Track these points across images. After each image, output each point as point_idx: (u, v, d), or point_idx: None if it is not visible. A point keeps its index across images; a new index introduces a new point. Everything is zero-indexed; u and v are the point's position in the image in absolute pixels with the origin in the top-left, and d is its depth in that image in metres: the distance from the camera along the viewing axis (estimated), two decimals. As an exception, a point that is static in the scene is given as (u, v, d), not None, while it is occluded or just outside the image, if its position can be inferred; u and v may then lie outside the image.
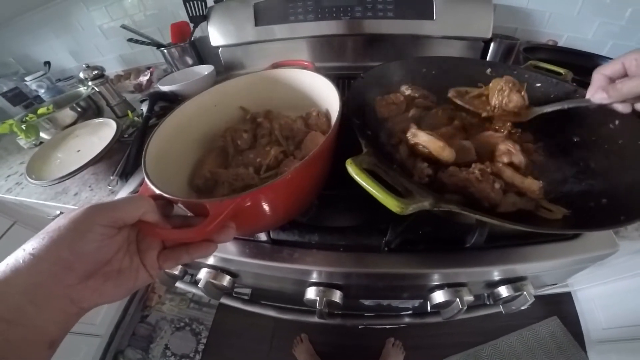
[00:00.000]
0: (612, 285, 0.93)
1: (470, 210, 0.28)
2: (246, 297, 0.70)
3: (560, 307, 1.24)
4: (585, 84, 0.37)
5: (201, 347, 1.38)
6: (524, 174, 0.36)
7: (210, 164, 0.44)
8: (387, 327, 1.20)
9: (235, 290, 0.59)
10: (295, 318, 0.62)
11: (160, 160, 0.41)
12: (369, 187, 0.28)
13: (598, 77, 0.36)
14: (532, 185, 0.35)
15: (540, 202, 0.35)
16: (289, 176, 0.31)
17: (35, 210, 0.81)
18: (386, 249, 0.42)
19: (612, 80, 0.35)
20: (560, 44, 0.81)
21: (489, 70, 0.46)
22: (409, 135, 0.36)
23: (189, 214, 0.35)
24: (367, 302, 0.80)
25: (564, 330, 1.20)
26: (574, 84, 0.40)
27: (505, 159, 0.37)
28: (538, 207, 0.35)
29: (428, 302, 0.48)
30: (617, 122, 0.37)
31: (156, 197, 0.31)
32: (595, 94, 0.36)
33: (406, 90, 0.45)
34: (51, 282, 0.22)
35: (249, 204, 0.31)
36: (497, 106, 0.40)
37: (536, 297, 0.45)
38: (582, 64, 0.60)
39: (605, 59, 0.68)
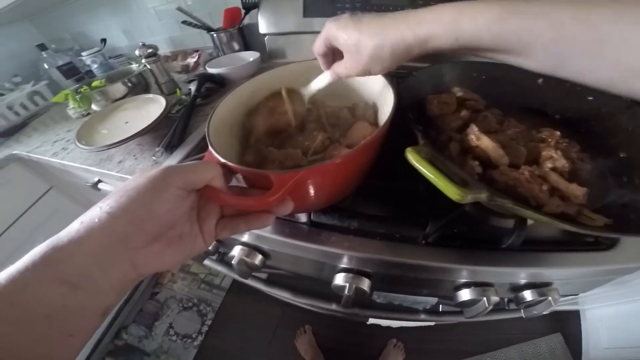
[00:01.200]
0: (624, 306, 0.93)
1: (522, 206, 0.29)
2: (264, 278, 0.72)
3: (565, 324, 1.24)
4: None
5: (205, 328, 1.40)
6: (568, 180, 0.37)
7: (262, 125, 0.47)
8: (393, 327, 1.21)
9: (253, 274, 0.61)
10: (307, 302, 0.64)
11: (219, 134, 0.43)
12: (431, 175, 0.29)
13: (318, 57, 0.42)
14: (577, 190, 0.36)
15: (582, 210, 0.36)
16: (349, 156, 0.33)
17: (74, 176, 0.85)
18: (423, 241, 0.43)
19: (329, 55, 0.40)
20: None
21: (540, 80, 0.47)
22: (472, 136, 0.38)
23: (244, 187, 0.37)
24: (379, 300, 0.81)
25: (564, 347, 1.19)
26: (628, 100, 0.41)
27: (549, 164, 0.38)
28: (580, 215, 0.36)
29: (452, 300, 0.49)
30: (666, 139, 0.37)
31: (221, 166, 0.32)
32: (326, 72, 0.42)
33: (458, 92, 0.46)
34: (121, 244, 0.22)
35: (309, 180, 0.33)
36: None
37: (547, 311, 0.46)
38: None
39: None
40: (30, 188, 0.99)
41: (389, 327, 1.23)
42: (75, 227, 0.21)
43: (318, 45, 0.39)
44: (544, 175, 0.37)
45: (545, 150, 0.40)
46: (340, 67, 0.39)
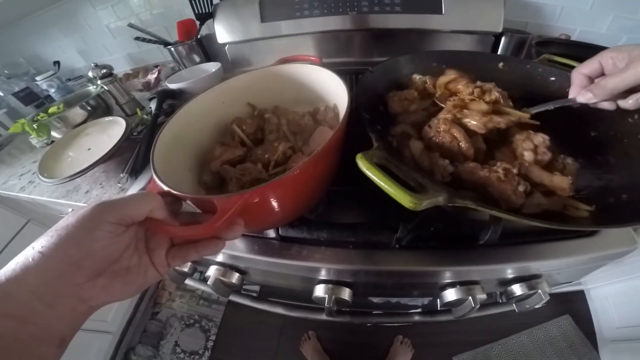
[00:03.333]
0: (627, 283, 0.91)
1: (486, 206, 0.27)
2: (255, 295, 0.70)
3: (572, 305, 1.22)
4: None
5: (210, 344, 1.39)
6: (550, 171, 0.34)
7: (217, 160, 0.44)
8: (396, 325, 1.19)
9: (244, 287, 0.59)
10: (304, 315, 0.62)
11: (169, 157, 0.40)
12: (381, 182, 0.27)
13: (577, 76, 0.37)
14: (562, 182, 0.33)
15: (567, 201, 0.34)
16: (298, 171, 0.31)
17: (48, 208, 0.83)
18: (397, 245, 0.41)
19: (591, 79, 0.36)
20: (573, 38, 0.79)
21: (501, 64, 0.45)
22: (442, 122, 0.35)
23: (197, 211, 0.35)
24: (375, 300, 0.79)
25: (576, 329, 1.17)
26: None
27: (529, 156, 0.36)
28: (566, 207, 0.34)
29: (438, 300, 0.47)
30: (636, 116, 0.35)
31: (164, 194, 0.31)
32: (580, 94, 0.36)
33: (417, 76, 0.44)
34: (60, 280, 0.22)
35: (257, 199, 0.31)
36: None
37: (549, 295, 0.44)
38: None
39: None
40: (7, 223, 0.97)
41: (392, 325, 1.22)
42: (11, 267, 0.21)
43: (588, 64, 0.36)
44: (525, 172, 0.34)
45: (521, 141, 0.37)
46: (610, 80, 0.33)
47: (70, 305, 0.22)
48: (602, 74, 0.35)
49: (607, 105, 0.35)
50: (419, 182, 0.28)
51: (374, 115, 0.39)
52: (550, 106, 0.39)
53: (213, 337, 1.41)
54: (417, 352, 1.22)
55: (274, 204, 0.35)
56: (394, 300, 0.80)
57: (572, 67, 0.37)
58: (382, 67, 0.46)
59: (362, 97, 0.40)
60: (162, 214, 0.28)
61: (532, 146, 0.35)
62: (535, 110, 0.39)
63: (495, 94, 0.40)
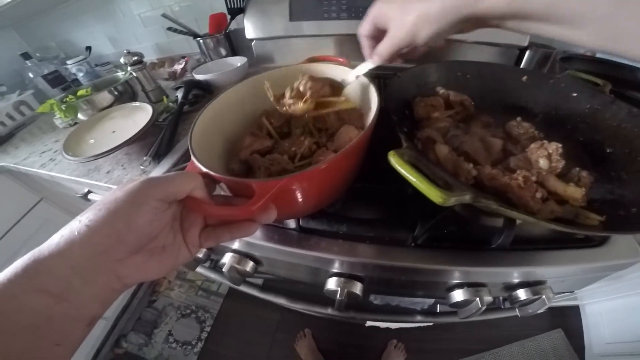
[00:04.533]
0: (623, 300, 0.93)
1: (509, 207, 0.29)
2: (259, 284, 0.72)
3: (566, 320, 1.24)
4: (623, 96, 0.38)
5: (204, 335, 1.40)
6: (566, 182, 0.36)
7: (247, 149, 0.46)
8: (392, 328, 1.21)
9: (247, 280, 0.60)
10: (303, 307, 0.64)
11: (202, 143, 0.42)
12: (412, 178, 0.29)
13: (362, 40, 0.40)
14: (575, 193, 0.35)
15: (579, 211, 0.36)
16: (334, 161, 0.33)
17: (63, 187, 0.84)
18: (413, 244, 0.43)
19: (374, 38, 0.38)
20: (599, 54, 0.76)
21: (524, 78, 0.47)
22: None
23: (228, 195, 0.37)
24: (376, 301, 0.81)
25: (567, 343, 1.19)
26: (612, 95, 0.41)
27: (544, 164, 0.38)
28: (577, 216, 0.35)
29: (446, 300, 0.48)
30: (652, 135, 0.37)
31: (203, 175, 0.32)
32: (369, 60, 0.40)
33: (444, 93, 0.46)
34: (102, 255, 0.22)
35: (293, 187, 0.33)
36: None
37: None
38: (621, 76, 0.59)
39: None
40: (20, 200, 0.99)
41: (388, 328, 1.23)
42: (55, 240, 0.21)
43: (364, 26, 0.38)
44: (541, 180, 0.36)
45: (535, 150, 0.39)
46: (382, 46, 0.37)
47: (107, 282, 0.22)
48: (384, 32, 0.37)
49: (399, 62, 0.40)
50: (446, 181, 0.30)
51: (400, 119, 0.41)
52: (370, 65, 0.41)
53: (208, 329, 1.41)
54: (410, 357, 1.24)
55: (304, 193, 0.36)
56: (394, 303, 0.82)
57: (596, 84, 0.39)
58: (409, 73, 0.48)
59: (390, 101, 0.42)
60: (202, 193, 0.29)
61: (546, 153, 0.37)
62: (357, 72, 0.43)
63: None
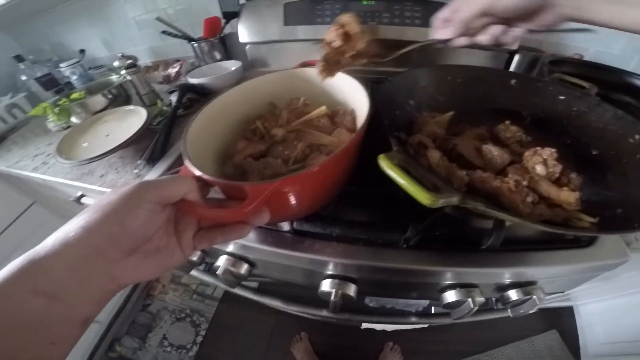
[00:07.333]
0: (615, 300, 0.94)
1: (496, 209, 0.30)
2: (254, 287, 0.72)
3: (561, 321, 1.25)
4: (609, 99, 0.39)
5: (199, 339, 1.38)
6: (559, 186, 0.37)
7: (241, 154, 0.46)
8: (388, 330, 1.21)
9: (242, 283, 0.60)
10: (299, 309, 0.64)
11: (196, 146, 0.42)
12: (401, 180, 0.29)
13: (436, 21, 0.41)
14: (569, 197, 0.36)
15: (569, 213, 0.36)
16: (325, 164, 0.34)
17: (56, 191, 0.83)
18: (405, 245, 0.43)
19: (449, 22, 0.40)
20: (587, 57, 0.80)
21: (513, 81, 0.48)
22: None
23: (222, 198, 0.37)
24: (371, 304, 0.81)
25: (562, 343, 1.20)
26: (598, 97, 0.42)
27: (540, 170, 0.39)
28: (568, 219, 0.36)
29: (439, 301, 0.49)
30: (637, 136, 0.38)
31: (196, 179, 0.32)
32: (438, 32, 0.41)
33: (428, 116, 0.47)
34: (97, 256, 0.22)
35: (285, 189, 0.33)
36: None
37: (538, 309, 0.47)
38: (608, 79, 0.60)
39: (633, 74, 0.66)
40: (12, 203, 0.97)
41: (384, 330, 1.23)
42: (50, 242, 0.21)
43: (443, 11, 0.40)
44: (534, 185, 0.37)
45: (529, 157, 0.40)
46: (462, 10, 0.37)
47: (101, 282, 0.23)
48: None
49: (464, 41, 0.39)
50: (434, 184, 0.31)
51: (391, 123, 0.42)
52: (416, 46, 0.43)
53: (203, 333, 1.40)
54: (406, 359, 1.24)
55: (297, 196, 0.37)
56: (389, 305, 0.82)
57: (582, 87, 0.40)
58: (400, 78, 0.49)
59: (381, 105, 0.42)
60: (196, 196, 0.29)
61: (541, 160, 0.38)
62: (394, 55, 0.44)
63: None
